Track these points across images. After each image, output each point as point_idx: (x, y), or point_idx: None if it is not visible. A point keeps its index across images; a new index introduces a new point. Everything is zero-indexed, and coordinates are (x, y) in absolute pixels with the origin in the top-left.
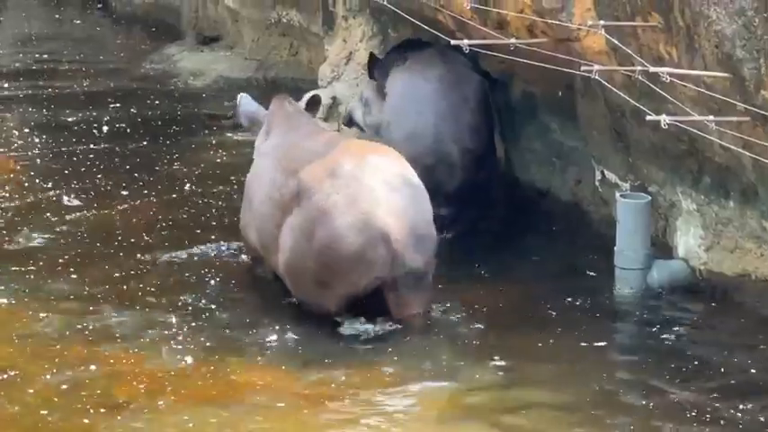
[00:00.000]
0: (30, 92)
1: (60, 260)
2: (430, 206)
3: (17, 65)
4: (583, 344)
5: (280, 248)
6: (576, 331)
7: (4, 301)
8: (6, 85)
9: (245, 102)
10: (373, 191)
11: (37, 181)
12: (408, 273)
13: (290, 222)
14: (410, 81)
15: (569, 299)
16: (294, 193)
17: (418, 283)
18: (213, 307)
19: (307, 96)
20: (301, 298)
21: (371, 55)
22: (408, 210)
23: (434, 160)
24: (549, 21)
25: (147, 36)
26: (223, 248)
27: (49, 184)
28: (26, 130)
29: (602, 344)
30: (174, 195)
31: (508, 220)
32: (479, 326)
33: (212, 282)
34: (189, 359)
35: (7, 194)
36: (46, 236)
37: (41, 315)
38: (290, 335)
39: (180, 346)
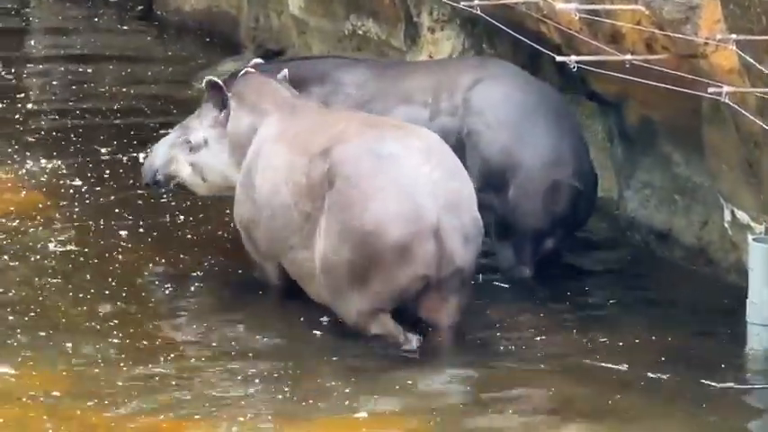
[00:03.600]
0: (63, 123)
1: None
2: (476, 200)
3: (47, 89)
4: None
5: (308, 241)
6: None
7: None
8: (35, 118)
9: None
10: (422, 177)
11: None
12: (455, 273)
13: (323, 208)
14: (503, 93)
15: (687, 359)
16: (324, 174)
17: (462, 286)
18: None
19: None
20: (334, 299)
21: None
22: (459, 201)
23: (584, 185)
24: (671, 34)
25: (199, 49)
26: None
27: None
28: (61, 172)
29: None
30: None
31: (619, 267)
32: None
33: None
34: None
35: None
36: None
37: None
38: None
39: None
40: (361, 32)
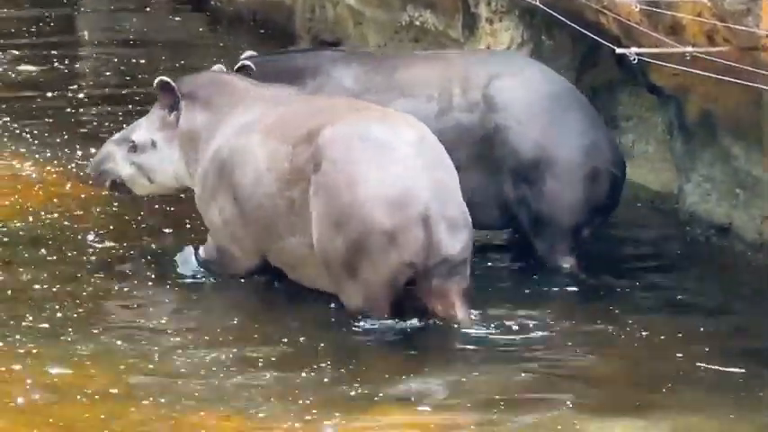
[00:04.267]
0: (114, 112)
1: None
2: (460, 191)
3: (100, 80)
4: None
5: (296, 227)
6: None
7: None
8: (86, 107)
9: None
10: (410, 163)
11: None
12: (443, 261)
13: (310, 194)
14: (526, 87)
15: (751, 354)
16: (309, 157)
17: (453, 272)
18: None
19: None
20: (335, 285)
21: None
22: (446, 190)
23: (619, 171)
24: (732, 26)
25: (254, 40)
26: None
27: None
28: None
29: None
30: None
31: (679, 263)
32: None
33: None
34: None
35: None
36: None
37: None
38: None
39: None
40: (418, 23)
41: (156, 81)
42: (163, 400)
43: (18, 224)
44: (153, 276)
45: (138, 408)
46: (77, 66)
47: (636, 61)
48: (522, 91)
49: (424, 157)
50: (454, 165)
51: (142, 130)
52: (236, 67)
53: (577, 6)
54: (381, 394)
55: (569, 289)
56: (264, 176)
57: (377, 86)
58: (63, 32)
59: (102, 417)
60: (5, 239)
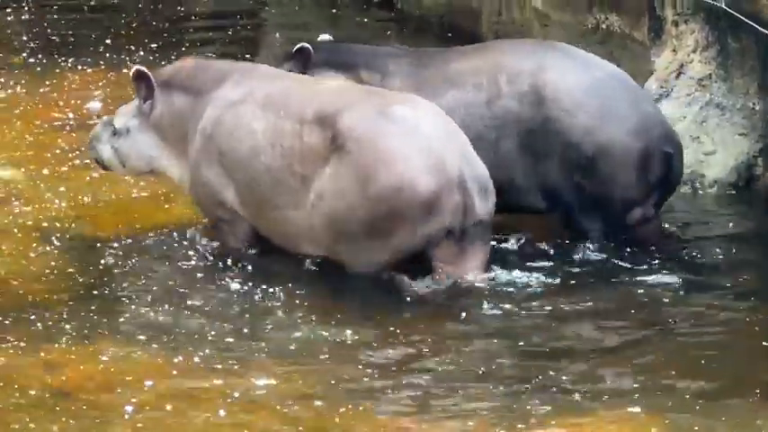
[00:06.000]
0: None
1: None
2: None
3: None
4: None
5: (301, 201)
6: None
7: None
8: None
9: None
10: (438, 134)
11: None
12: (478, 223)
13: (328, 172)
14: (573, 75)
15: None
16: (326, 139)
17: (483, 235)
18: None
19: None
20: (346, 252)
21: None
22: (472, 154)
23: (674, 149)
24: None
25: (440, 43)
26: None
27: None
28: None
29: None
30: None
31: None
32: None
33: None
34: None
35: None
36: None
37: None
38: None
39: None
40: (604, 26)
41: (132, 71)
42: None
43: None
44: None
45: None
46: None
47: None
48: (570, 78)
49: (444, 126)
50: (501, 152)
51: (122, 116)
52: (294, 49)
53: (763, 9)
54: None
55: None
56: (266, 150)
57: (427, 79)
58: (251, 46)
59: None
60: None
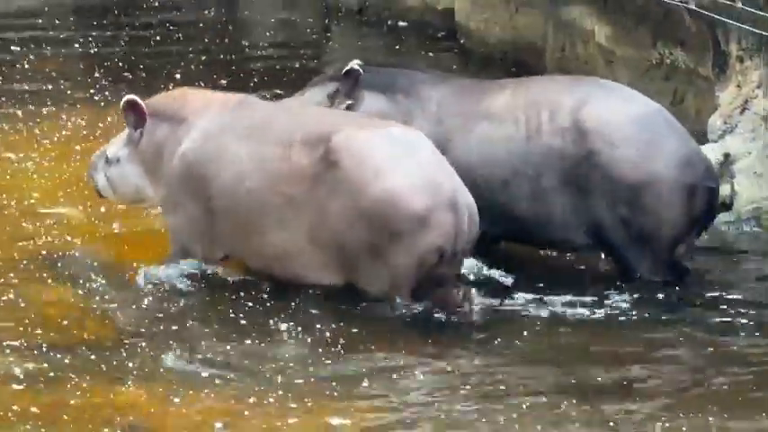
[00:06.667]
0: None
1: None
2: None
3: None
4: None
5: (290, 222)
6: None
7: None
8: None
9: None
10: (430, 152)
11: None
12: (465, 250)
13: (322, 192)
14: (615, 109)
15: None
16: (317, 159)
17: (464, 259)
18: None
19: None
20: (352, 274)
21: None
22: (461, 183)
23: (714, 184)
24: None
25: (504, 77)
26: None
27: None
28: None
29: None
30: None
31: None
32: None
33: None
34: None
35: None
36: None
37: None
38: None
39: None
40: (668, 61)
41: (123, 100)
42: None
43: None
44: None
45: None
46: None
47: None
48: (612, 114)
49: (433, 151)
50: (540, 188)
51: (114, 145)
52: (344, 70)
53: None
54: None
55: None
56: (250, 176)
57: (462, 109)
58: (315, 62)
59: None
60: None
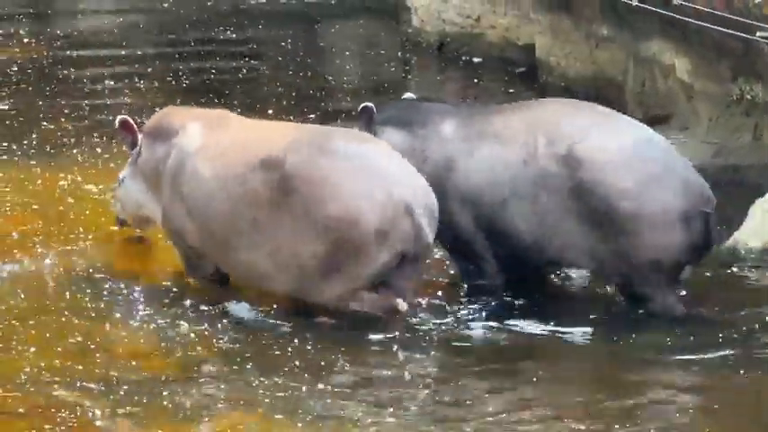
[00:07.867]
0: None
1: None
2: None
3: None
4: None
5: (256, 242)
6: None
7: None
8: None
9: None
10: (383, 163)
11: None
12: (425, 250)
13: (280, 214)
14: (611, 138)
15: None
16: (274, 182)
17: (421, 260)
18: None
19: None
20: (307, 289)
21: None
22: (418, 182)
23: (711, 209)
24: None
25: None
26: None
27: None
28: None
29: None
30: None
31: None
32: None
33: None
34: None
35: None
36: None
37: None
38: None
39: None
40: (749, 96)
41: (116, 121)
42: None
43: None
44: None
45: None
46: None
47: None
48: (608, 142)
49: (388, 157)
50: (540, 209)
51: (125, 169)
52: (359, 108)
53: None
54: None
55: None
56: (216, 196)
57: (470, 133)
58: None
59: None
60: None
